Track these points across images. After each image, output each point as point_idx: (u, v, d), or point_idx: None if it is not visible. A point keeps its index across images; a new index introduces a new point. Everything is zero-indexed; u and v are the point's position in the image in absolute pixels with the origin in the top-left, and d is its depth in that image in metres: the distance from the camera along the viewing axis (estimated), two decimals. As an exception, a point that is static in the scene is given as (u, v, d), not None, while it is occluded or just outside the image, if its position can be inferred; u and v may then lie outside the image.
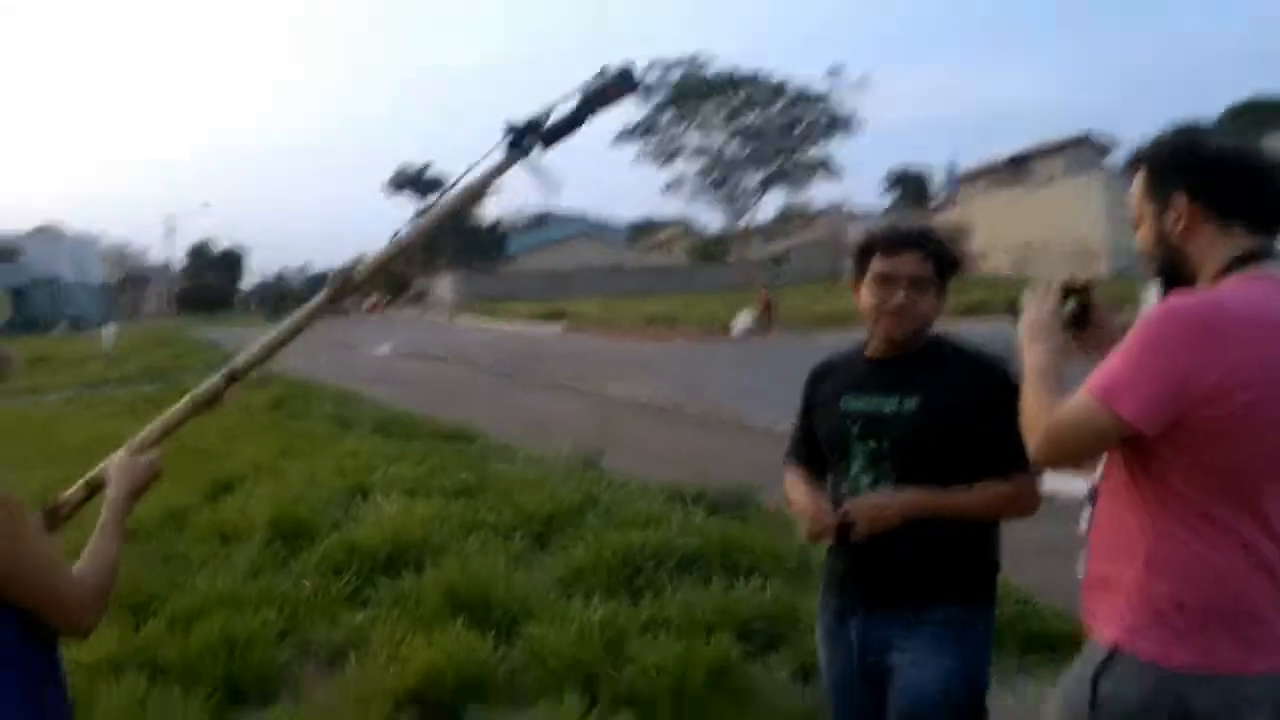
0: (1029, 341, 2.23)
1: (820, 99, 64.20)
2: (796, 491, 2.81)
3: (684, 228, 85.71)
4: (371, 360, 28.76)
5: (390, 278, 76.44)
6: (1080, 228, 42.04)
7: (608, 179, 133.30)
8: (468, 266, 68.33)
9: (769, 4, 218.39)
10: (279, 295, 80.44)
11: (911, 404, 2.63)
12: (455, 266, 68.62)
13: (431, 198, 2.58)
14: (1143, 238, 2.15)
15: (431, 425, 12.58)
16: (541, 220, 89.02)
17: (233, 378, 2.39)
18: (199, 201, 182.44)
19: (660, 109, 66.46)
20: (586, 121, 2.51)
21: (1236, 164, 2.04)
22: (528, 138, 2.47)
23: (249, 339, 2.68)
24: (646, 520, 6.58)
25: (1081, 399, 2.01)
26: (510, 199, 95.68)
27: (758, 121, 65.49)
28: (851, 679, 2.75)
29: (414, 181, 62.74)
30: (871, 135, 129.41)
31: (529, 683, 4.60)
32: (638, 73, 2.51)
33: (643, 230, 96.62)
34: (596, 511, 7.06)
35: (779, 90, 64.82)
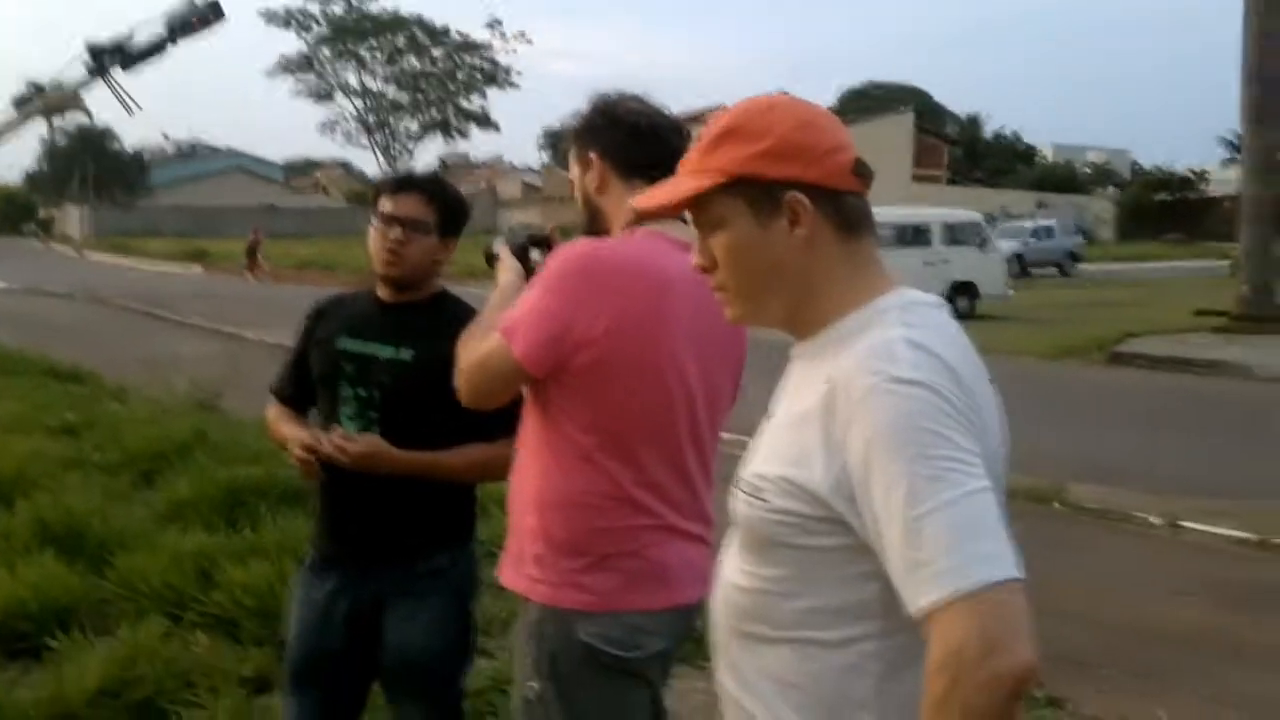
0: (500, 305, 2.24)
1: (480, 49, 64.19)
2: (284, 423, 2.78)
3: (342, 169, 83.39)
4: (-19, 296, 26.30)
5: (11, 206, 69.74)
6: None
7: (263, 113, 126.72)
8: (103, 198, 63.36)
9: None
10: None
11: (406, 354, 2.63)
12: (88, 197, 63.50)
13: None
14: (576, 197, 2.29)
15: (44, 364, 11.91)
16: (190, 152, 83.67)
17: None
18: None
19: (319, 44, 64.30)
20: (170, 48, 2.64)
21: (638, 127, 2.20)
22: (109, 58, 2.59)
23: None
24: (255, 456, 6.69)
25: (493, 337, 2.09)
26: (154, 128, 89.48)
27: (418, 67, 64.68)
28: (326, 628, 2.69)
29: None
30: (529, 91, 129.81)
31: (117, 611, 4.65)
32: (224, 6, 2.64)
33: (300, 169, 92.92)
34: (206, 449, 7.09)
35: (440, 37, 64.19)
